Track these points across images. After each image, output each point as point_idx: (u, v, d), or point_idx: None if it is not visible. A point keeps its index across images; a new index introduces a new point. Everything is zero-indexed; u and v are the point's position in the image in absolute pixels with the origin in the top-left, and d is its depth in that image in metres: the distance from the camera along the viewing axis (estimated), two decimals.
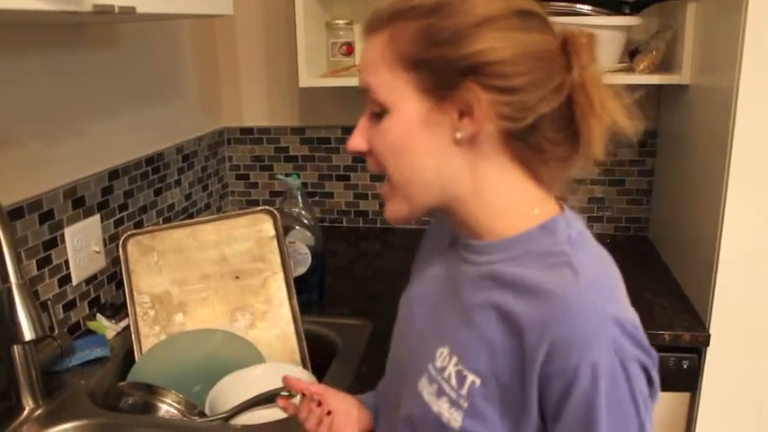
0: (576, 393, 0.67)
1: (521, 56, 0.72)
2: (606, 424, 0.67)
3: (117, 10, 0.94)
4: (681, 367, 1.47)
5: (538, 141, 0.75)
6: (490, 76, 0.71)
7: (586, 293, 0.69)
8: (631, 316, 0.71)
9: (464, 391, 0.75)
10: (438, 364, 0.79)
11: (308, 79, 1.77)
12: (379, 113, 0.76)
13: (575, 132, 0.75)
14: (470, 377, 0.75)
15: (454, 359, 0.77)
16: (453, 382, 0.77)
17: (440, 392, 0.78)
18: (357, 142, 0.80)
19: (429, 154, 0.75)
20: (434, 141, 0.75)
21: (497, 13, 0.72)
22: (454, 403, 0.76)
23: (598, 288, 0.71)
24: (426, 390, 0.80)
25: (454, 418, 0.76)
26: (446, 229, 0.89)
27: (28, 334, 1.01)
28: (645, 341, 0.70)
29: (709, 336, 1.44)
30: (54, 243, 1.35)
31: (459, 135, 0.74)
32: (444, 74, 0.72)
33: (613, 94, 0.74)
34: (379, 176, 0.81)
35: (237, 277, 1.44)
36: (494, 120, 0.72)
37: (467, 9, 0.72)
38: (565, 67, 0.73)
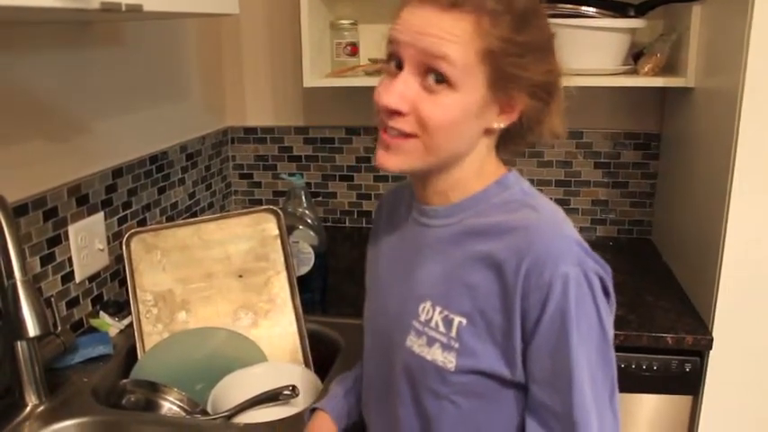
0: (550, 303, 0.78)
1: (555, 84, 0.86)
2: (576, 327, 0.78)
3: (124, 8, 0.94)
4: (683, 370, 1.47)
5: (523, 123, 0.87)
6: (541, 88, 0.83)
7: (549, 222, 0.84)
8: (584, 241, 0.83)
9: (453, 333, 0.84)
10: (422, 318, 0.88)
11: (312, 79, 1.77)
12: (439, 84, 0.80)
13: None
14: (457, 318, 0.84)
15: (438, 308, 0.86)
16: (441, 328, 0.85)
17: (430, 341, 0.86)
18: (398, 103, 0.81)
19: (469, 134, 0.84)
20: (477, 126, 0.84)
21: (548, 41, 0.84)
22: (446, 346, 0.85)
23: (556, 219, 0.85)
24: (416, 344, 0.88)
25: (448, 360, 0.84)
26: (397, 203, 1.00)
27: (32, 330, 1.01)
28: (598, 257, 0.83)
29: (712, 339, 1.44)
30: (58, 240, 1.35)
31: (496, 125, 0.85)
32: (513, 78, 0.81)
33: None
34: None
35: (241, 276, 1.44)
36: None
37: (542, 25, 0.83)
38: None
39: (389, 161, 0.84)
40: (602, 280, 0.81)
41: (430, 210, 0.91)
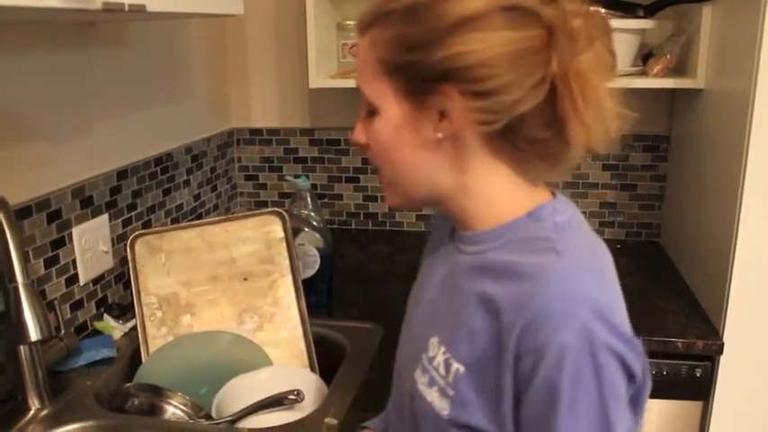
0: (541, 372, 0.66)
1: (496, 57, 0.70)
2: (568, 409, 0.65)
3: (127, 8, 0.93)
4: (694, 375, 1.45)
5: (521, 140, 0.74)
6: (463, 80, 0.71)
7: (565, 275, 0.69)
8: (612, 303, 0.69)
9: (450, 379, 0.75)
10: (430, 353, 0.80)
11: (318, 80, 1.76)
12: (371, 112, 0.80)
13: (562, 127, 0.72)
14: (455, 365, 0.75)
15: (442, 348, 0.78)
16: (442, 370, 0.77)
17: (431, 382, 0.78)
18: (358, 136, 0.83)
19: (414, 153, 0.78)
20: (418, 141, 0.77)
21: (475, 13, 0.70)
22: (443, 392, 0.76)
23: (578, 271, 0.70)
24: (421, 380, 0.80)
25: (443, 407, 0.75)
26: (447, 221, 0.91)
27: (34, 334, 1.00)
28: (624, 329, 0.68)
29: (723, 344, 1.42)
30: (62, 242, 1.34)
31: (439, 135, 0.75)
32: (419, 79, 0.73)
33: (606, 89, 0.72)
34: None
35: (246, 279, 1.42)
36: (470, 122, 0.73)
37: (439, 12, 0.71)
38: (548, 60, 0.70)
39: (388, 202, 0.87)
40: (621, 360, 0.66)
41: (461, 234, 0.83)
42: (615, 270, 0.76)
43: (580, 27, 0.70)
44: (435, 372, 0.78)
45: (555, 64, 0.69)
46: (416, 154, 0.78)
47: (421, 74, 0.73)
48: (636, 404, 0.70)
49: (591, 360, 0.65)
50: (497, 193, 0.78)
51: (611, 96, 0.72)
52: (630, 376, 0.68)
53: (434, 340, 0.80)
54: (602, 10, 1.62)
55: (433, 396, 0.77)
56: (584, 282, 0.69)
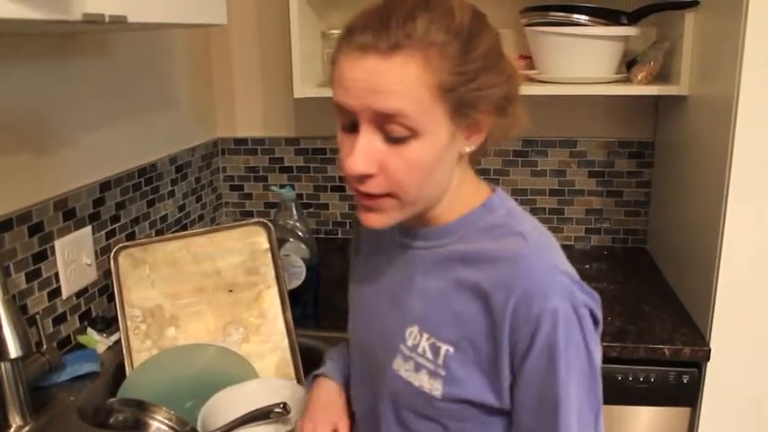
0: (539, 338, 0.78)
1: (515, 86, 0.84)
2: (565, 361, 0.78)
3: (107, 19, 0.92)
4: (681, 382, 1.45)
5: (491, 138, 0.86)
6: (504, 99, 0.82)
7: (537, 252, 0.82)
8: (570, 267, 0.83)
9: (440, 361, 0.83)
10: (409, 343, 0.87)
11: (303, 89, 1.75)
12: (402, 137, 0.77)
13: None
14: (444, 346, 0.84)
15: (425, 335, 0.85)
16: (429, 354, 0.85)
17: (417, 367, 0.85)
18: (367, 167, 0.78)
19: (446, 170, 0.83)
20: (450, 158, 0.82)
21: (497, 45, 0.82)
22: (433, 374, 0.84)
23: (544, 248, 0.83)
24: (403, 368, 0.87)
25: (435, 387, 0.84)
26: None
27: (13, 351, 0.99)
28: (587, 287, 0.82)
29: (710, 350, 1.42)
30: (44, 256, 1.33)
31: (468, 149, 0.84)
32: (473, 103, 0.79)
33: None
34: None
35: (231, 291, 1.41)
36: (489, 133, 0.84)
37: (487, 32, 0.80)
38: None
39: (374, 221, 0.83)
40: (591, 311, 0.81)
41: (412, 232, 0.91)
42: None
43: None
44: (421, 357, 0.85)
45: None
46: (446, 170, 0.83)
47: (477, 99, 0.79)
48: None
49: (576, 317, 0.78)
50: (462, 187, 0.87)
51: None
52: (596, 321, 0.82)
53: (413, 330, 0.87)
54: (586, 17, 1.62)
55: (422, 380, 0.85)
56: (552, 256, 0.83)
